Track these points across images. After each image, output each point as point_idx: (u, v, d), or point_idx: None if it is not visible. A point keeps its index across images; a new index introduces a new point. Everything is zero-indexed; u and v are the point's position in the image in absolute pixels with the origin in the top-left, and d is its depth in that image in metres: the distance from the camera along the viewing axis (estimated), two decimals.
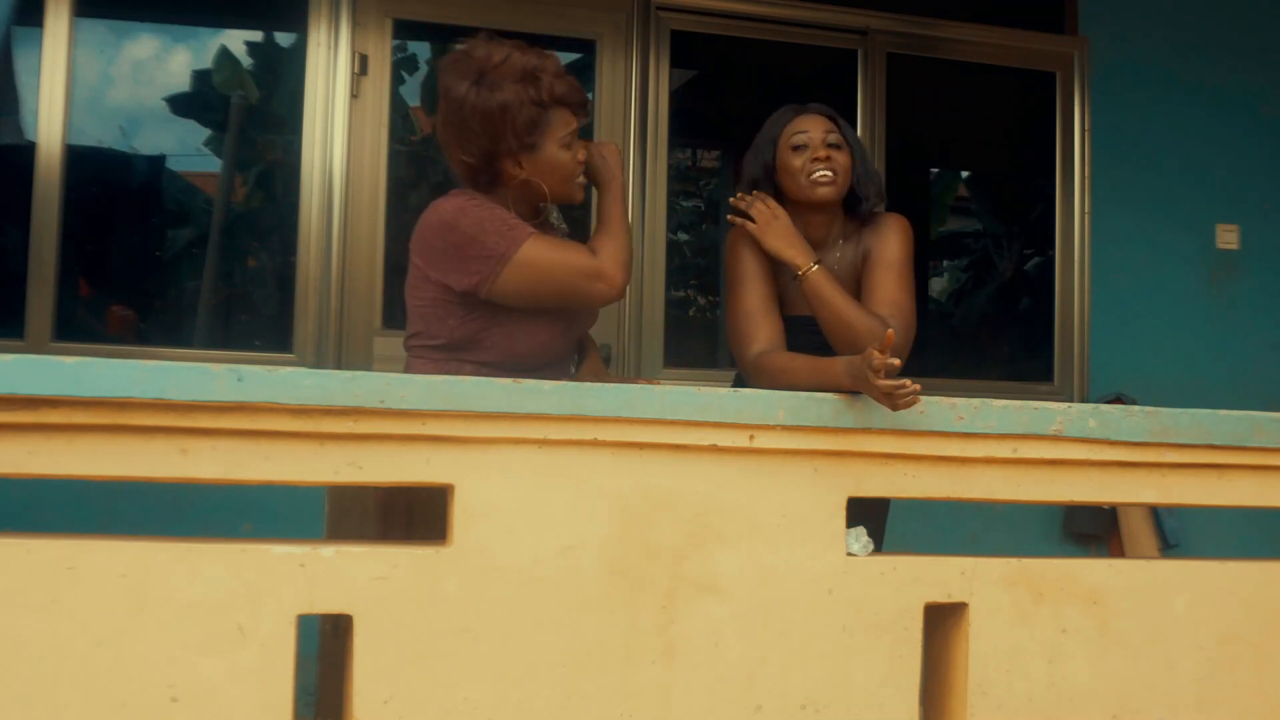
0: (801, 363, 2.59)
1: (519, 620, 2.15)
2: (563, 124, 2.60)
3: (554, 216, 2.86)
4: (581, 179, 2.69)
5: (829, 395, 2.33)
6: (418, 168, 6.11)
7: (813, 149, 2.78)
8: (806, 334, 2.77)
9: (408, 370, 2.67)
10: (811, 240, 2.81)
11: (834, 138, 2.79)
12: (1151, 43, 5.32)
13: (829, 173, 2.76)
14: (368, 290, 4.50)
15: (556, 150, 2.60)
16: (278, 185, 5.64)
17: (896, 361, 2.25)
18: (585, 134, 4.80)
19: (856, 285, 2.84)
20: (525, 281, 2.54)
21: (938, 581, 2.35)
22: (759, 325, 2.74)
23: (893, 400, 2.26)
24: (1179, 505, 3.05)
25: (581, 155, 2.66)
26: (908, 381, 2.27)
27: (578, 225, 4.72)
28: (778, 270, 2.80)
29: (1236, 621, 2.48)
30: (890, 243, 2.84)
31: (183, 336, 5.74)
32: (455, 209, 2.58)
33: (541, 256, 2.54)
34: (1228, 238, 5.34)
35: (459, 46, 2.65)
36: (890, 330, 2.34)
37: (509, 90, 2.55)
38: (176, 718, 1.99)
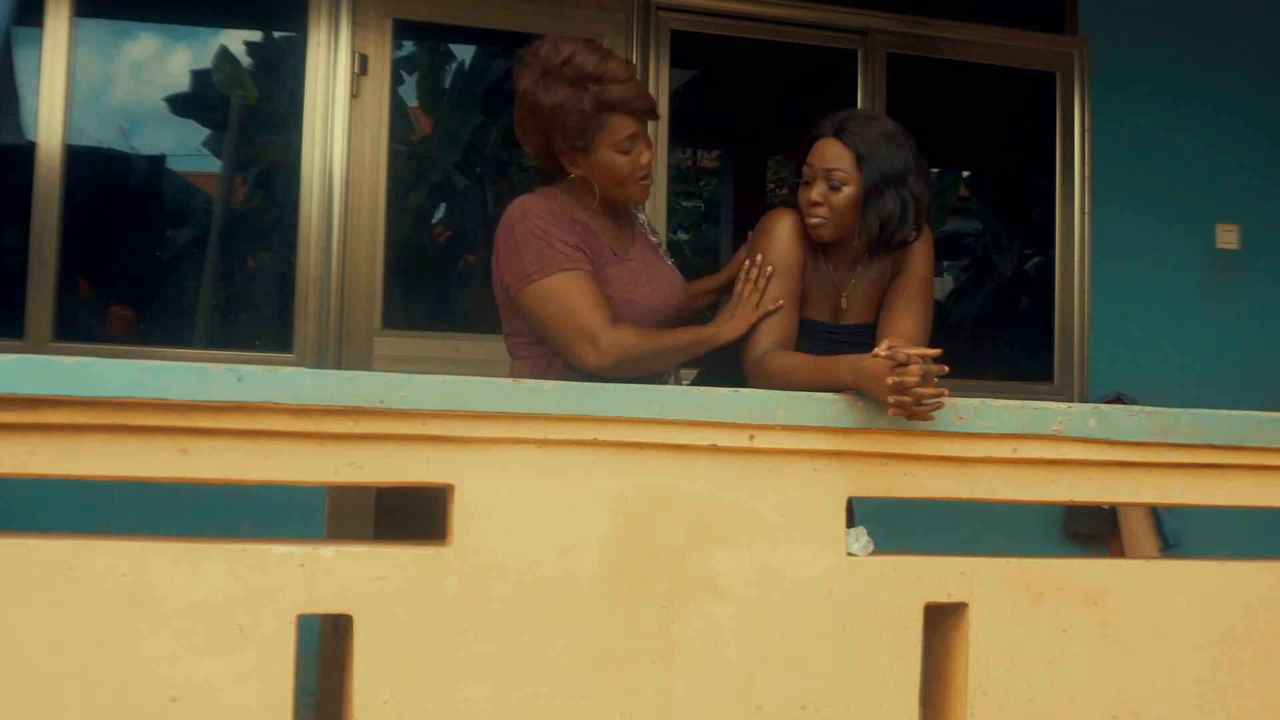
0: (804, 362, 2.56)
1: (519, 620, 2.15)
2: (620, 128, 2.59)
3: (643, 219, 2.86)
4: (646, 180, 2.67)
5: (829, 395, 2.33)
6: (418, 168, 6.12)
7: (814, 186, 2.70)
8: (816, 339, 2.75)
9: (511, 369, 2.69)
10: (835, 260, 2.78)
11: (839, 175, 2.66)
12: (1151, 43, 5.32)
13: (818, 219, 2.68)
14: (368, 290, 4.50)
15: (610, 153, 2.60)
16: (278, 185, 5.64)
17: (911, 380, 2.26)
18: None
19: (880, 299, 2.82)
20: (538, 310, 2.56)
21: (938, 581, 2.35)
22: (772, 321, 2.67)
23: (910, 410, 2.27)
24: (1179, 505, 3.04)
25: (644, 158, 2.63)
26: (945, 389, 2.28)
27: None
28: (808, 266, 2.75)
29: (1236, 621, 2.48)
30: (916, 262, 2.79)
31: (183, 336, 5.74)
32: (520, 213, 2.60)
33: (559, 295, 2.54)
34: (1228, 238, 5.34)
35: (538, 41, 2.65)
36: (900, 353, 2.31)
37: (561, 93, 2.55)
38: (176, 718, 1.99)
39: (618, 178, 2.63)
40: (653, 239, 2.84)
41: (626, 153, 2.61)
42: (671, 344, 2.63)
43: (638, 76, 2.67)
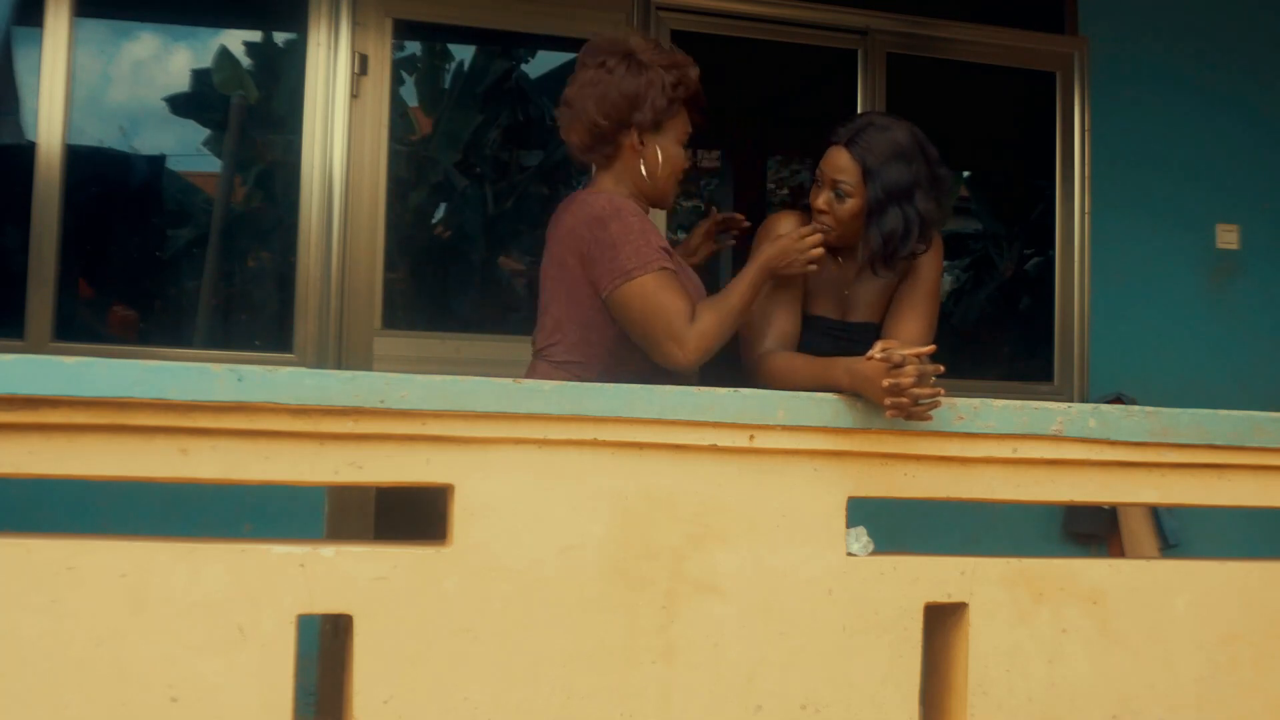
0: (803, 363, 2.58)
1: (519, 620, 2.15)
2: (684, 123, 2.73)
3: None
4: (678, 189, 2.80)
5: (829, 395, 2.34)
6: (418, 168, 6.11)
7: (822, 192, 2.70)
8: (825, 336, 2.75)
9: (529, 374, 2.64)
10: (846, 258, 2.78)
11: (844, 186, 2.67)
12: (1151, 43, 5.32)
13: (822, 226, 2.68)
14: (368, 290, 4.49)
15: (674, 144, 2.71)
16: (278, 185, 5.63)
17: (907, 381, 2.26)
18: None
19: (888, 301, 2.82)
20: (631, 306, 2.55)
21: (938, 581, 2.35)
22: (774, 320, 2.69)
23: (908, 411, 2.27)
24: (1179, 505, 3.04)
25: (688, 162, 2.77)
26: (942, 389, 2.28)
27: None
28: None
29: (1236, 621, 2.48)
30: (925, 266, 2.79)
31: (183, 336, 5.73)
32: (612, 209, 2.60)
33: (654, 293, 2.54)
34: (1228, 238, 5.34)
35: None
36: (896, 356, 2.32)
37: (656, 73, 2.66)
38: (176, 718, 1.99)
39: (674, 169, 2.73)
40: None
41: (684, 147, 2.73)
42: (735, 302, 2.60)
43: None
